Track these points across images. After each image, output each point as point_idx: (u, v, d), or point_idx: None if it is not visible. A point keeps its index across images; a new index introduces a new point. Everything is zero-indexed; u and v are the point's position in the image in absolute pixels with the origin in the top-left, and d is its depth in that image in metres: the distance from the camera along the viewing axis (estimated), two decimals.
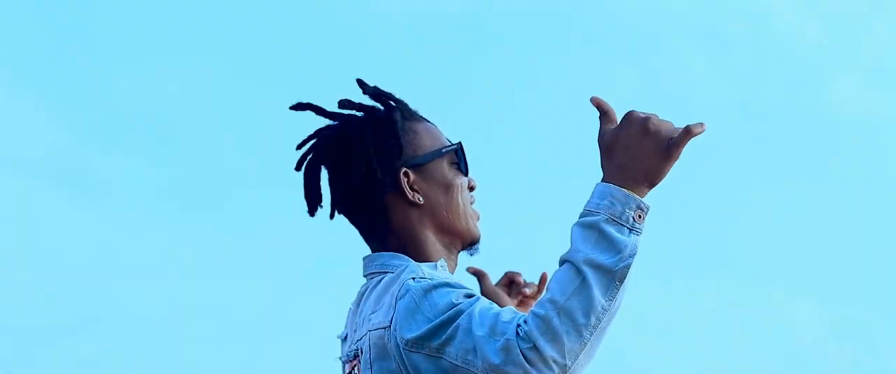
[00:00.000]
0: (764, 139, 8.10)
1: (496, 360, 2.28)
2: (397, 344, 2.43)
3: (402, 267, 2.56)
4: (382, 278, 2.58)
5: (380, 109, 2.69)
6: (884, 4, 8.31)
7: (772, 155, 8.09)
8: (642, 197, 2.37)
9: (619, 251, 2.31)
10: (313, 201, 2.73)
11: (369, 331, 2.51)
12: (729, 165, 8.07)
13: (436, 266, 2.59)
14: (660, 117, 2.39)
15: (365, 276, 2.68)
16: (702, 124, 2.35)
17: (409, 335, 2.40)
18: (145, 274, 7.69)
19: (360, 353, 2.54)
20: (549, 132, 8.00)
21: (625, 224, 2.34)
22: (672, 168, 2.38)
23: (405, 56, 7.87)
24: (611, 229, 2.32)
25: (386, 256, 2.63)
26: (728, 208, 8.06)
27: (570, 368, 2.28)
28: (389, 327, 2.44)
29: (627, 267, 2.31)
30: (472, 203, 2.70)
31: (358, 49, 7.79)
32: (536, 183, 7.76)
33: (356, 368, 2.57)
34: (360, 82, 2.69)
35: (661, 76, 8.13)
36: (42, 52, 8.00)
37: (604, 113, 2.45)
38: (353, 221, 2.70)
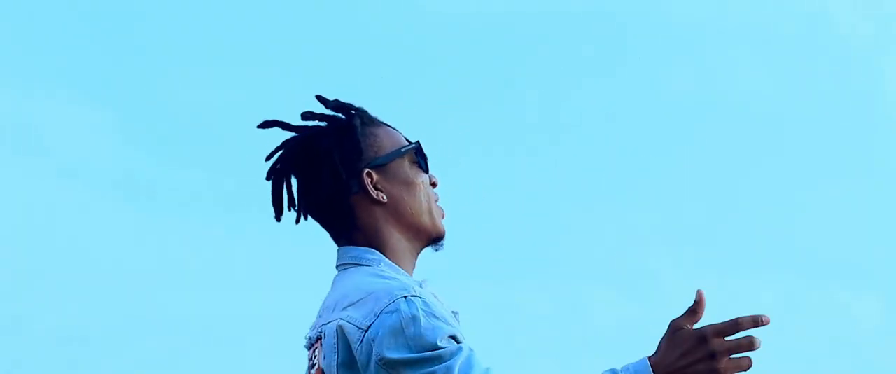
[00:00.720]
0: (824, 137, 8.09)
1: None
2: (373, 355, 2.53)
3: (382, 269, 2.68)
4: (358, 269, 2.70)
5: (341, 118, 2.79)
6: None
7: (832, 153, 8.07)
8: None
9: None
10: (278, 208, 2.82)
11: (344, 321, 2.58)
12: (790, 164, 8.06)
13: (421, 285, 2.69)
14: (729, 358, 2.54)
15: (337, 267, 2.77)
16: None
17: (389, 355, 2.50)
18: (206, 282, 7.75)
19: (322, 337, 2.63)
20: (603, 133, 8.01)
21: None
22: None
23: (454, 57, 7.90)
24: None
25: (360, 249, 2.73)
26: (789, 205, 8.05)
27: None
28: (367, 331, 2.54)
29: None
30: (436, 201, 2.81)
31: (410, 51, 7.82)
32: (588, 184, 7.78)
33: (317, 351, 2.66)
34: (320, 98, 2.81)
35: (716, 77, 8.13)
36: (108, 64, 8.08)
37: (694, 312, 2.56)
38: (323, 223, 2.80)
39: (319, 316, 2.71)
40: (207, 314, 7.61)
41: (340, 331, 2.56)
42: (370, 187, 2.72)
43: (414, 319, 2.51)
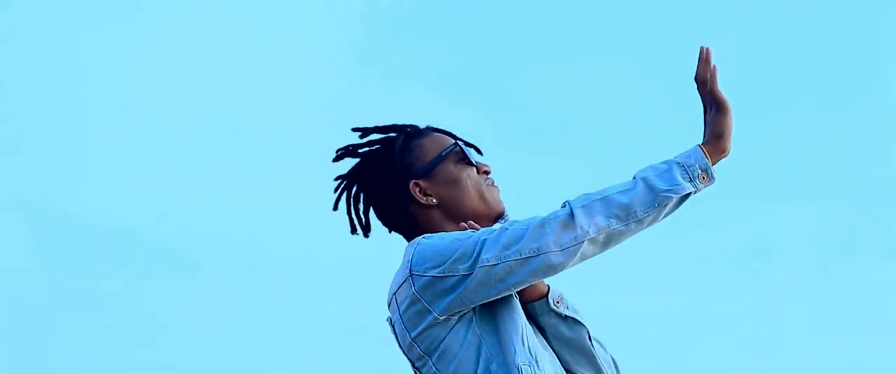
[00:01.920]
0: None
1: (536, 233, 2.72)
2: (424, 281, 2.77)
3: None
4: None
5: (389, 138, 3.06)
6: None
7: None
8: (713, 164, 2.82)
9: (672, 184, 2.76)
10: (364, 229, 3.11)
11: (393, 295, 2.85)
12: None
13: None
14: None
15: None
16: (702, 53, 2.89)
17: (429, 264, 2.77)
18: (575, 278, 7.80)
19: (390, 323, 2.89)
20: None
21: (689, 172, 2.79)
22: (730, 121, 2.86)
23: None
24: (676, 169, 2.78)
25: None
26: None
27: (586, 236, 2.72)
28: (411, 270, 2.80)
29: (669, 198, 2.75)
30: (489, 183, 3.04)
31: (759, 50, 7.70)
32: None
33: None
34: (357, 129, 3.07)
35: None
36: (471, 63, 8.25)
37: (704, 65, 2.90)
38: (399, 233, 3.05)
39: None
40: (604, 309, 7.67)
41: (394, 298, 2.84)
42: (419, 196, 2.97)
43: (429, 236, 2.84)
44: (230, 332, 7.71)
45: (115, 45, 8.23)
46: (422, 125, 3.10)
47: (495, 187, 3.03)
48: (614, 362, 2.98)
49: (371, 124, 3.09)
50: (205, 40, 8.31)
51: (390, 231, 3.07)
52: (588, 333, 2.96)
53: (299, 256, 7.57)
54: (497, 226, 2.82)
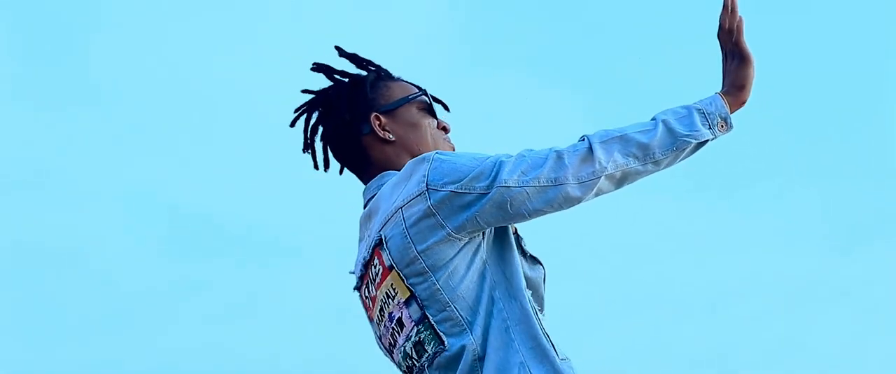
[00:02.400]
0: None
1: (556, 164, 2.75)
2: (441, 195, 2.78)
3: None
4: (389, 181, 2.94)
5: (360, 74, 3.11)
6: None
7: None
8: (731, 112, 2.90)
9: (692, 129, 2.83)
10: (311, 150, 3.15)
11: (400, 201, 2.82)
12: None
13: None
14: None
15: (366, 202, 3.02)
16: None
17: (446, 180, 2.78)
18: (680, 255, 7.85)
19: (383, 240, 2.86)
20: None
21: (708, 119, 2.86)
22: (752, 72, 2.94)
23: None
24: (697, 116, 2.85)
25: (387, 173, 3.00)
26: None
27: (604, 172, 2.76)
28: (427, 184, 2.79)
29: (687, 142, 2.81)
30: (445, 139, 3.08)
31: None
32: None
33: (377, 259, 2.89)
34: (339, 49, 3.13)
35: None
36: (569, 47, 8.31)
37: (726, 13, 3.00)
38: (347, 164, 3.12)
39: (361, 245, 2.97)
40: (689, 287, 7.74)
41: (400, 212, 2.82)
42: (377, 129, 3.02)
43: (442, 153, 2.84)
44: (332, 317, 7.86)
45: (219, 39, 8.40)
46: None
47: (451, 144, 3.08)
48: None
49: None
50: (305, 34, 8.45)
51: (337, 158, 3.11)
52: (545, 273, 2.98)
53: None
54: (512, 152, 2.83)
